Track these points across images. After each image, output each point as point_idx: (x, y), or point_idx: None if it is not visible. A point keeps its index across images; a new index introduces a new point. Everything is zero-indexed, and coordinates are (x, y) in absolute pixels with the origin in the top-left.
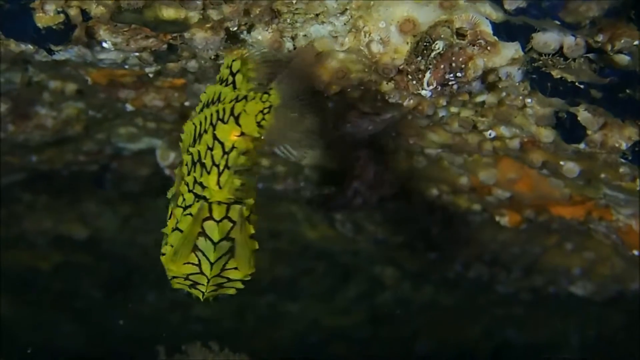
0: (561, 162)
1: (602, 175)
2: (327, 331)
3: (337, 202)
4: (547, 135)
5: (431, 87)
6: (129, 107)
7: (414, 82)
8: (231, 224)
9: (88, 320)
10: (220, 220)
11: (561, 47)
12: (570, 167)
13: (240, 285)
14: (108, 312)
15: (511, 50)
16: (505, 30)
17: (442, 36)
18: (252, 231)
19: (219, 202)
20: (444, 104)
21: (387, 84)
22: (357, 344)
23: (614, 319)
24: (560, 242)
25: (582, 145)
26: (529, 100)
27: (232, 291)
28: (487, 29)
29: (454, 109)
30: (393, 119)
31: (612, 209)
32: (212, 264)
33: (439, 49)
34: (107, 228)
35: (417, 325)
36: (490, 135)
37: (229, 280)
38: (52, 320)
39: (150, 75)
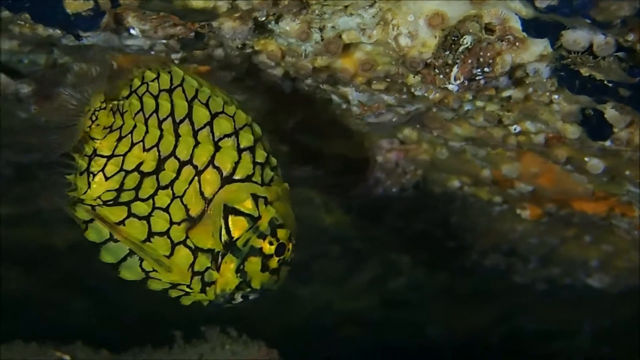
0: (586, 159)
1: (627, 173)
2: (339, 315)
3: (358, 191)
4: (573, 131)
5: (458, 82)
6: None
7: (441, 76)
8: None
9: (101, 298)
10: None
11: (591, 46)
12: (595, 164)
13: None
14: (121, 290)
15: (540, 46)
16: (534, 27)
17: (470, 31)
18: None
19: None
20: (470, 98)
21: (413, 77)
22: (370, 328)
23: (628, 309)
24: (579, 234)
25: (607, 143)
26: (555, 96)
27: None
28: (516, 24)
29: (479, 103)
30: (418, 110)
31: (635, 205)
32: None
33: (467, 43)
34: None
35: (430, 310)
36: (515, 130)
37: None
38: (65, 298)
39: (176, 62)
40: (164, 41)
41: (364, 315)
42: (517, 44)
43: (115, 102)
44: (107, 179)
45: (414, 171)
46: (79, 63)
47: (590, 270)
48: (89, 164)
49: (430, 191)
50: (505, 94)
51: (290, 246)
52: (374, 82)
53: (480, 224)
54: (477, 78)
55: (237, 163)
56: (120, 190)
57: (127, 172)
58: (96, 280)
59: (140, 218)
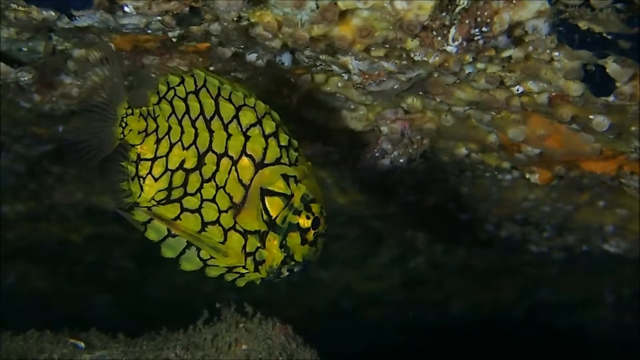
0: (591, 116)
1: (633, 128)
2: (360, 296)
3: (365, 163)
4: (575, 89)
5: (457, 43)
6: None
7: (439, 38)
8: None
9: (122, 291)
10: None
11: None
12: (600, 121)
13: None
14: (141, 282)
15: (537, 3)
16: None
17: None
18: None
19: None
20: (470, 60)
21: (412, 41)
22: (391, 308)
23: None
24: (593, 199)
25: (611, 98)
26: (556, 53)
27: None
28: None
29: (480, 65)
30: (419, 77)
31: None
32: None
33: (463, 4)
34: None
35: (451, 287)
36: (518, 90)
37: None
38: (86, 292)
39: (174, 40)
40: (159, 18)
41: (386, 296)
42: (514, 1)
43: (144, 108)
44: (156, 180)
45: (420, 140)
46: (93, 75)
47: (606, 235)
48: (137, 169)
49: (438, 161)
50: (506, 54)
51: (323, 219)
52: (373, 48)
53: (492, 194)
54: (475, 38)
55: (265, 149)
56: (170, 188)
57: (173, 171)
58: (117, 274)
59: (192, 211)
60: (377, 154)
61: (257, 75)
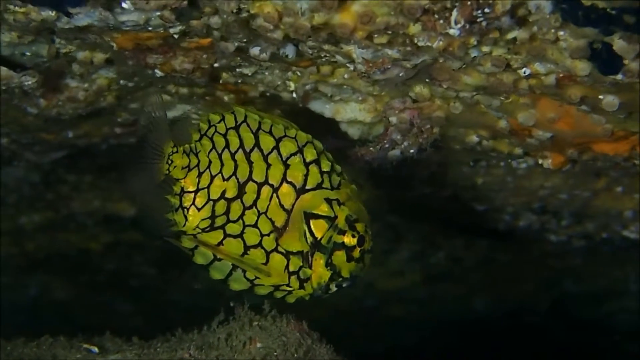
0: (600, 96)
1: None
2: (383, 294)
3: (374, 155)
4: (583, 68)
5: (459, 26)
6: (159, 72)
7: (441, 21)
8: None
9: (144, 298)
10: None
11: None
12: (610, 100)
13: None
14: (163, 289)
15: None
16: None
17: None
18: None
19: None
20: (475, 43)
21: (414, 25)
22: (414, 305)
23: None
24: (610, 185)
25: (619, 76)
26: (561, 32)
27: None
28: None
29: (485, 48)
30: (424, 63)
31: None
32: None
33: None
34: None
35: (473, 282)
36: (525, 73)
37: None
38: (108, 301)
39: (176, 37)
40: (158, 13)
41: (408, 293)
42: None
43: (187, 146)
44: (199, 209)
45: (430, 129)
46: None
47: (625, 221)
48: (180, 201)
49: (452, 150)
50: (510, 35)
51: (368, 237)
52: (375, 35)
53: (507, 184)
54: (478, 20)
55: (306, 175)
56: (213, 217)
57: (215, 201)
58: (139, 281)
59: (235, 237)
60: (387, 145)
61: (264, 71)
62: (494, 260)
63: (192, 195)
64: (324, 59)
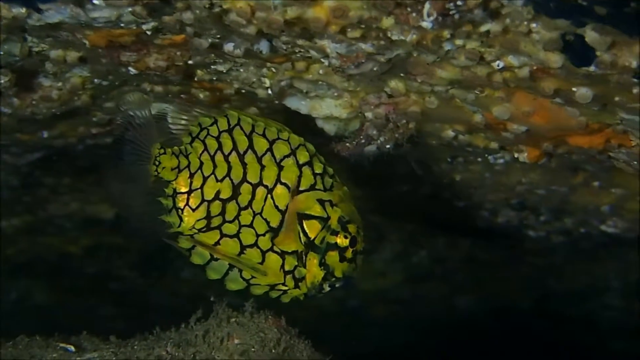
0: (573, 88)
1: (617, 99)
2: (366, 294)
3: (351, 150)
4: (555, 60)
5: (432, 18)
6: (133, 70)
7: (414, 14)
8: None
9: (126, 301)
10: None
11: None
12: (584, 93)
13: None
14: (145, 291)
15: None
16: None
17: None
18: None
19: None
20: (448, 36)
21: (387, 19)
22: (397, 305)
23: None
24: (587, 180)
25: (592, 68)
26: (534, 24)
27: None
28: None
29: (459, 42)
30: (398, 57)
31: (631, 134)
32: None
33: None
34: (132, 205)
35: (456, 281)
36: (498, 66)
37: None
38: (89, 305)
39: (149, 33)
40: (130, 9)
41: (392, 293)
42: None
43: (176, 147)
44: (193, 210)
45: (406, 124)
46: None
47: (603, 216)
48: (174, 202)
49: (428, 145)
50: (484, 28)
51: (360, 238)
52: (349, 29)
53: (486, 180)
54: (451, 13)
55: (300, 177)
56: (208, 217)
57: (210, 202)
58: (120, 285)
59: (231, 237)
60: (363, 141)
61: (239, 68)
62: (477, 259)
63: (185, 196)
64: (298, 55)
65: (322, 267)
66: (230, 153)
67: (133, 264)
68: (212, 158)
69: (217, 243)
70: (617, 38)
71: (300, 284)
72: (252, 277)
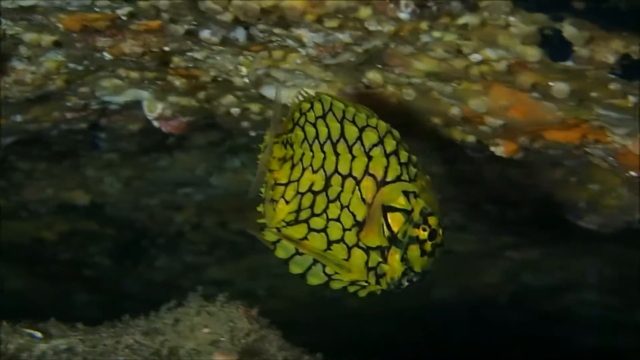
0: (550, 83)
1: (593, 94)
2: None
3: None
4: (533, 54)
5: (409, 9)
6: (108, 56)
7: (392, 5)
8: None
9: (100, 288)
10: None
11: None
12: (560, 88)
13: None
14: (119, 279)
15: None
16: None
17: None
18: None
19: None
20: (426, 28)
21: (364, 9)
22: (373, 297)
23: (631, 256)
24: (566, 176)
25: (569, 63)
26: (512, 18)
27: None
28: None
29: (436, 34)
30: (376, 48)
31: (607, 130)
32: None
33: None
34: (109, 192)
35: (433, 273)
36: (476, 59)
37: None
38: (64, 291)
39: (124, 18)
40: None
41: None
42: None
43: (284, 136)
44: (287, 202)
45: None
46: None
47: (580, 211)
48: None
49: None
50: (461, 20)
51: (440, 231)
52: (326, 19)
53: (465, 173)
54: (428, 5)
55: (386, 167)
56: (298, 210)
57: (302, 194)
58: (94, 271)
59: (318, 231)
60: None
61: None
62: (453, 252)
63: (283, 188)
64: (275, 44)
65: (403, 262)
66: (325, 142)
67: (107, 251)
68: (311, 147)
69: (305, 237)
70: (595, 33)
71: (381, 280)
72: (335, 272)
